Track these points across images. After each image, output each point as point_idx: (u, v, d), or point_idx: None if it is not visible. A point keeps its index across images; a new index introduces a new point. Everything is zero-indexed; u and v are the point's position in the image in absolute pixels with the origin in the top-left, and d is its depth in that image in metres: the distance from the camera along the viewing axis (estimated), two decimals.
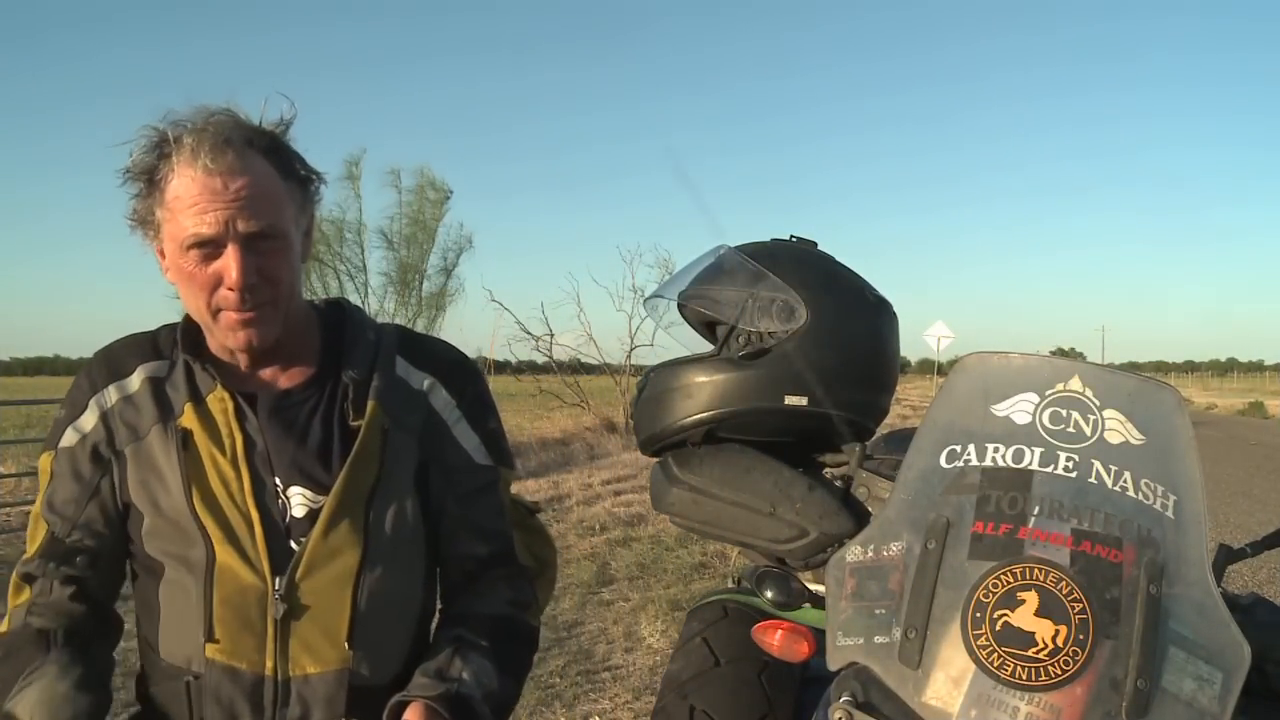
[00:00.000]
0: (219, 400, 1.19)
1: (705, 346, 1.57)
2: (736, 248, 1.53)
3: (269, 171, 1.15)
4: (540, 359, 17.33)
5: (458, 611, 1.29)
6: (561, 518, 7.97)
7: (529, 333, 16.87)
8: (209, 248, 1.11)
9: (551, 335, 16.93)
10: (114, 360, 1.24)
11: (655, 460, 1.59)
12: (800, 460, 1.56)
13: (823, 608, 0.93)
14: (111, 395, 1.21)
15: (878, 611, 0.86)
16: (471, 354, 1.15)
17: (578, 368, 17.48)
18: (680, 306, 1.59)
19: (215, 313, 1.15)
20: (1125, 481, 0.84)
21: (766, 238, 1.59)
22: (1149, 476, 0.85)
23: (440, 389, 1.28)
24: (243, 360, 1.21)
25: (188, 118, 1.13)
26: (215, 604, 1.13)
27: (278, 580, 1.14)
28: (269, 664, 1.14)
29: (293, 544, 1.16)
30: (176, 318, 1.28)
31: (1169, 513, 0.83)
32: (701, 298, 1.51)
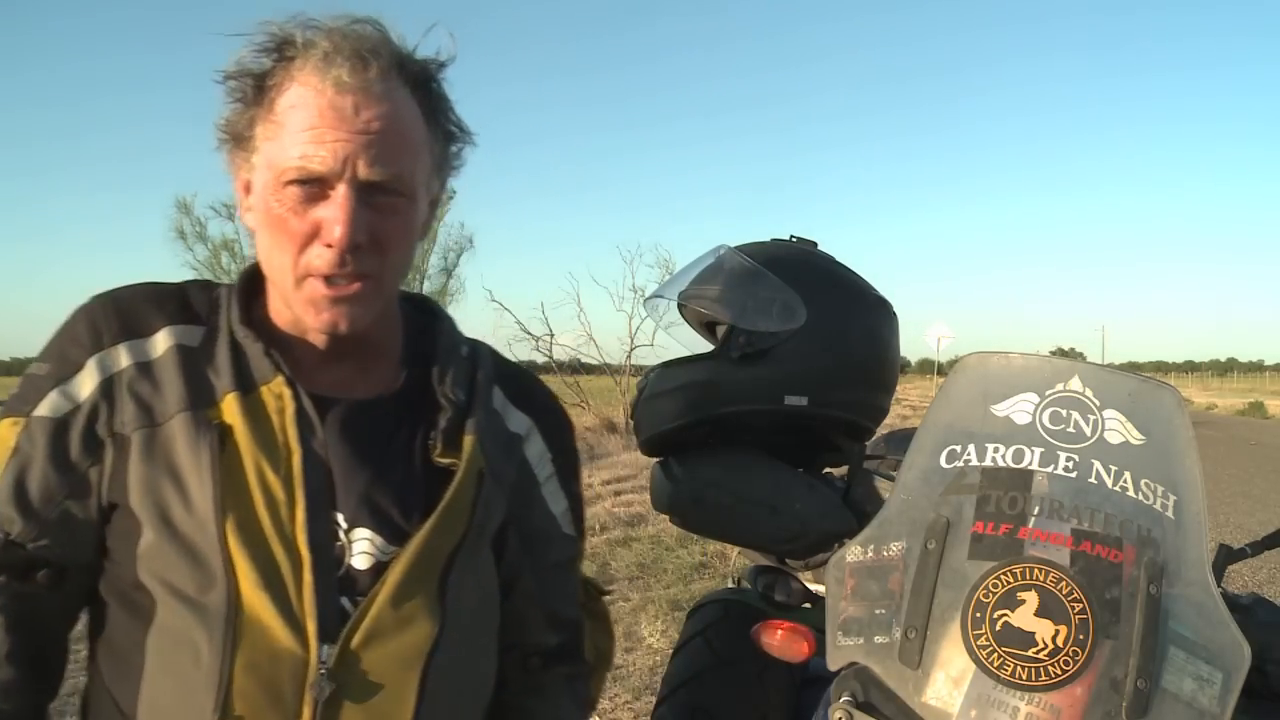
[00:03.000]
0: (275, 396, 0.90)
1: (705, 346, 1.58)
2: (736, 248, 1.53)
3: (413, 110, 0.90)
4: (540, 359, 17.28)
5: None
6: None
7: (529, 333, 16.84)
8: (314, 187, 0.86)
9: (551, 335, 16.92)
10: (128, 311, 0.93)
11: (655, 460, 1.59)
12: (800, 460, 1.56)
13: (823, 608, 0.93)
14: (121, 357, 0.90)
15: (878, 611, 0.86)
16: None
17: (578, 368, 17.47)
18: (680, 306, 1.59)
19: (301, 278, 0.89)
20: (1125, 481, 0.84)
21: (766, 238, 1.59)
22: (1149, 476, 0.85)
23: (537, 437, 1.05)
24: (319, 344, 0.94)
25: (323, 22, 0.89)
26: (236, 669, 0.84)
27: (325, 648, 0.85)
28: None
29: (345, 602, 0.88)
30: None
31: (1169, 513, 0.83)
32: (701, 298, 1.51)
